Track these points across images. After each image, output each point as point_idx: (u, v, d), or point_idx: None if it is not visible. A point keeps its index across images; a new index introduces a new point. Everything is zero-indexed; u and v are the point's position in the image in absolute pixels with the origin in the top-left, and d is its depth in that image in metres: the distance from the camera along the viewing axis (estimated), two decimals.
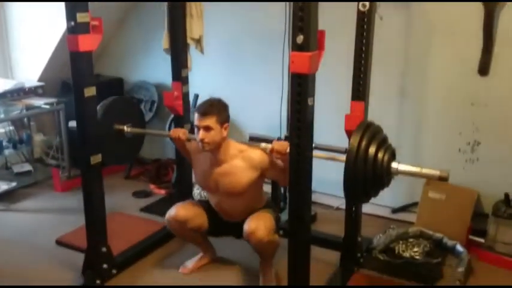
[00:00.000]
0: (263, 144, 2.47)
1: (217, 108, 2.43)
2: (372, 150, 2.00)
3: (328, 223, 3.33)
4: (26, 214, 3.64)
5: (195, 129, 2.46)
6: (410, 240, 2.98)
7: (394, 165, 2.03)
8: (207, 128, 2.40)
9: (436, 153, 3.31)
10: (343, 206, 2.79)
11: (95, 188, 2.58)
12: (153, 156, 4.45)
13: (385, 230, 3.09)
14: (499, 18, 2.88)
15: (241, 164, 2.49)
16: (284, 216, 3.06)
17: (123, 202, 3.73)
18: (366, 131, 2.04)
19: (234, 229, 2.68)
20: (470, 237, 3.02)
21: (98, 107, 2.63)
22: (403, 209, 3.46)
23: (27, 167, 4.23)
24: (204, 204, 2.74)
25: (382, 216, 3.45)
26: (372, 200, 3.30)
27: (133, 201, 3.82)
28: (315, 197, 3.08)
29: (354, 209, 2.73)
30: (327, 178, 3.39)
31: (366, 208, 2.96)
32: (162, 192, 3.95)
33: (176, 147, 2.86)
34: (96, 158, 2.52)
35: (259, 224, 2.46)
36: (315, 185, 2.15)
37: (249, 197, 2.58)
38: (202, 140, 2.42)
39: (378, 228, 3.17)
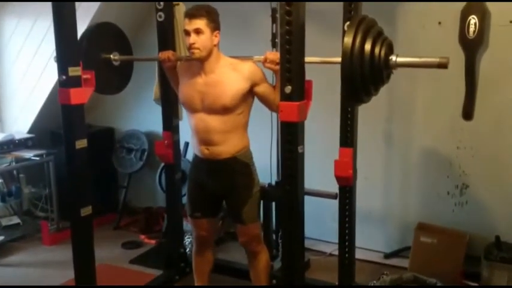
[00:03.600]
0: (255, 57, 2.35)
1: (207, 11, 2.33)
2: (367, 46, 1.87)
3: (322, 270, 3.30)
4: (14, 268, 3.55)
5: (185, 36, 2.36)
6: (405, 286, 2.95)
7: (392, 58, 1.92)
8: (198, 31, 2.29)
9: (425, 195, 3.33)
10: (336, 252, 2.78)
11: (84, 241, 2.55)
12: (144, 205, 4.41)
13: (379, 276, 3.06)
14: (480, 62, 2.98)
15: (231, 74, 2.38)
16: (277, 264, 3.03)
17: (112, 254, 3.67)
18: (360, 26, 1.89)
19: (221, 195, 2.60)
20: (464, 281, 3.00)
21: (81, 36, 2.56)
22: (396, 254, 3.45)
23: (16, 219, 4.16)
24: (196, 211, 2.65)
25: (375, 261, 3.43)
26: (364, 244, 3.35)
27: (122, 252, 3.75)
28: (307, 244, 3.06)
29: (347, 255, 2.71)
30: (318, 223, 3.40)
31: (359, 253, 2.94)
32: (153, 242, 3.89)
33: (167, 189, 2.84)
34: (87, 210, 2.50)
35: (250, 241, 2.61)
36: (306, 231, 2.15)
37: (232, 119, 2.42)
38: (192, 45, 2.31)
39: (371, 274, 3.14)
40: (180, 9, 3.07)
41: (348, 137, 2.55)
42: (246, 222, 2.54)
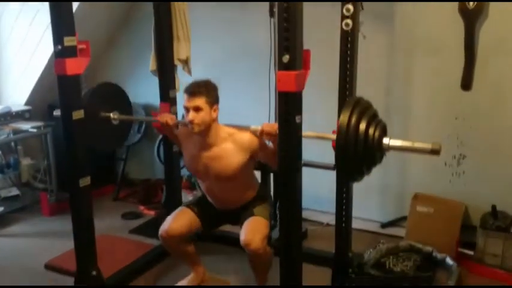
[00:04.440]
0: (253, 127, 2.40)
1: (206, 88, 2.39)
2: (362, 126, 1.94)
3: (319, 240, 3.34)
4: (14, 239, 3.60)
5: (184, 111, 2.42)
6: (401, 254, 2.99)
7: (385, 140, 1.98)
8: (197, 109, 2.35)
9: (422, 166, 3.35)
10: (333, 222, 2.80)
11: (83, 211, 2.56)
12: (142, 177, 4.44)
13: (376, 245, 3.10)
14: (479, 32, 2.95)
15: (231, 146, 2.45)
16: (275, 234, 3.06)
17: (112, 224, 3.71)
18: (356, 107, 1.97)
19: (228, 217, 2.66)
20: (460, 249, 3.04)
21: (84, 94, 2.60)
22: (392, 223, 3.49)
23: (15, 191, 4.19)
24: (194, 206, 2.68)
25: (372, 231, 3.47)
26: (361, 214, 3.38)
27: (122, 223, 3.79)
28: (304, 214, 3.08)
29: (343, 225, 2.74)
30: (315, 194, 3.42)
31: (356, 223, 2.97)
32: (152, 213, 3.93)
33: (165, 162, 2.85)
34: (85, 181, 2.51)
35: (254, 236, 2.42)
36: (303, 202, 2.17)
37: (240, 181, 2.54)
38: (191, 121, 2.37)
39: (368, 244, 3.18)
40: None
41: None
42: (256, 214, 2.55)
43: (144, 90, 4.21)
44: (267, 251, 2.50)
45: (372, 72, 3.24)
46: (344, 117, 1.93)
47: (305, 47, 1.93)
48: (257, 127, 2.37)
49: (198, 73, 3.69)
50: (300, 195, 2.11)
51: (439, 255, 2.95)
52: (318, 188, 3.40)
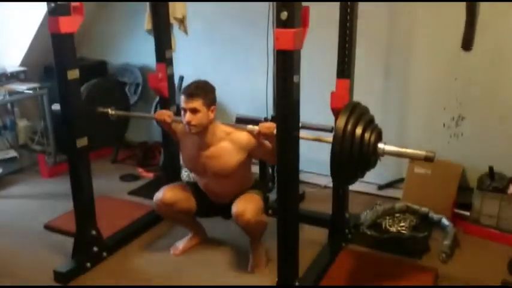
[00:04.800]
0: (249, 127, 2.46)
1: (204, 90, 2.41)
2: (358, 131, 2.01)
3: (316, 201, 3.36)
4: (12, 200, 3.61)
5: (182, 112, 2.45)
6: (397, 215, 3.02)
7: (380, 146, 2.05)
8: (194, 111, 2.38)
9: (421, 128, 3.35)
10: (331, 184, 2.82)
11: (82, 171, 2.57)
12: (140, 139, 4.43)
13: (372, 206, 3.13)
14: None
15: (228, 146, 2.49)
16: (273, 195, 3.09)
17: (111, 186, 3.72)
18: (353, 112, 2.04)
19: (222, 210, 2.70)
20: (456, 210, 3.07)
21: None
22: (390, 185, 3.50)
23: (12, 153, 4.18)
24: (192, 187, 2.74)
25: (369, 193, 3.50)
26: None
27: (121, 185, 3.81)
28: (302, 177, 3.09)
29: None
30: (314, 157, 3.42)
31: (353, 186, 2.97)
32: (150, 175, 3.94)
33: (162, 129, 2.85)
34: (82, 142, 2.50)
35: (246, 207, 2.46)
36: (302, 165, 2.17)
37: (237, 178, 2.59)
38: (189, 123, 2.40)
39: (364, 205, 3.21)
40: None
41: (345, 68, 2.51)
42: (248, 192, 2.59)
43: (139, 50, 4.16)
44: (259, 221, 2.52)
45: (372, 31, 3.18)
46: (341, 122, 2.00)
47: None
48: (254, 127, 2.41)
49: (195, 32, 3.65)
50: (298, 156, 2.10)
51: (435, 216, 2.98)
52: (315, 151, 3.39)
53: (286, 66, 1.88)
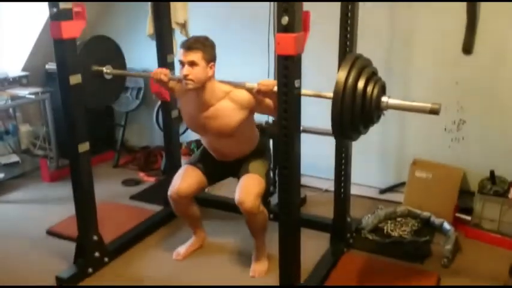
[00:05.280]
0: (248, 84, 2.35)
1: (203, 44, 2.33)
2: (360, 84, 1.88)
3: (318, 205, 3.36)
4: (15, 205, 3.62)
5: (180, 66, 2.36)
6: (399, 219, 3.03)
7: (384, 99, 1.94)
8: (192, 64, 2.30)
9: (421, 131, 3.34)
10: (332, 188, 2.82)
11: (83, 176, 2.57)
12: (142, 144, 4.44)
13: (374, 210, 3.13)
14: None
15: (228, 105, 2.41)
16: (274, 199, 3.09)
17: (112, 191, 3.73)
18: (354, 64, 1.91)
19: (229, 169, 2.68)
20: (457, 215, 3.07)
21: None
22: (391, 189, 3.50)
23: (15, 158, 4.19)
24: (198, 163, 2.69)
25: (370, 197, 3.49)
26: (360, 181, 3.40)
27: (122, 189, 3.81)
28: (303, 180, 3.09)
29: (342, 190, 2.75)
30: (315, 160, 3.42)
31: (354, 189, 2.99)
32: (152, 179, 3.94)
33: (164, 134, 2.85)
34: (84, 146, 2.51)
35: (248, 196, 2.43)
36: (303, 168, 2.17)
37: (240, 135, 2.52)
38: (186, 76, 2.32)
39: (366, 209, 3.21)
40: None
41: None
42: (251, 171, 2.55)
43: (141, 55, 4.16)
44: (261, 210, 2.50)
45: (373, 33, 3.18)
46: (342, 75, 1.87)
47: (305, 7, 1.89)
48: (253, 85, 2.31)
49: None
50: (299, 160, 2.11)
51: (436, 220, 2.98)
52: (317, 154, 3.40)
53: (287, 71, 1.88)
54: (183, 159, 3.33)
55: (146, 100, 4.25)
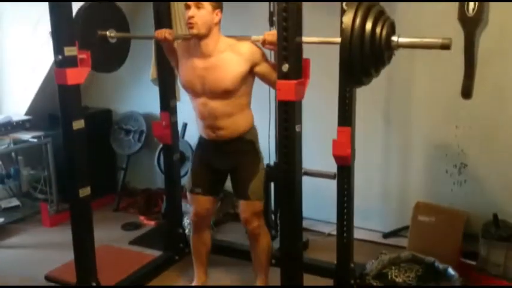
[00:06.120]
0: (253, 37, 2.30)
1: None
2: (368, 25, 1.81)
3: (320, 250, 3.32)
4: (14, 250, 3.58)
5: (185, 11, 2.32)
6: (403, 265, 2.97)
7: (394, 38, 1.86)
8: (198, 5, 2.26)
9: (423, 175, 3.34)
10: (335, 232, 2.79)
11: (84, 220, 2.55)
12: (143, 186, 4.43)
13: (377, 255, 3.08)
14: (479, 40, 2.96)
15: (230, 56, 2.35)
16: (276, 244, 3.05)
17: (112, 235, 3.69)
18: (361, 4, 1.83)
19: (225, 169, 2.61)
20: (462, 259, 3.02)
21: (77, 13, 2.54)
22: (394, 233, 3.46)
23: (15, 201, 4.17)
24: (197, 187, 2.66)
25: (374, 241, 3.45)
26: (363, 224, 3.37)
27: (122, 233, 3.77)
28: (305, 224, 3.07)
29: (345, 234, 2.72)
30: (317, 203, 3.40)
31: (357, 233, 2.96)
32: (152, 223, 3.91)
33: (166, 175, 2.84)
34: (85, 191, 2.50)
35: (252, 217, 2.56)
36: (305, 211, 2.16)
37: (236, 100, 2.43)
38: (191, 18, 2.27)
39: (369, 254, 3.16)
40: None
41: (346, 116, 2.54)
42: (251, 198, 2.55)
43: (144, 98, 4.23)
44: (265, 231, 2.65)
45: (371, 83, 3.23)
46: (348, 18, 1.79)
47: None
48: (258, 37, 2.26)
49: None
50: (301, 204, 2.10)
51: (441, 266, 2.93)
52: (319, 197, 3.39)
53: (288, 116, 1.91)
54: (184, 202, 3.32)
55: (148, 143, 4.27)
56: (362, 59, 1.82)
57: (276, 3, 1.88)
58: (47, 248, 3.57)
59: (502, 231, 2.89)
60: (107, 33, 2.75)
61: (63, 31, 2.31)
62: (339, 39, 1.83)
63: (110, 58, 2.85)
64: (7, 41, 4.19)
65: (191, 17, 2.28)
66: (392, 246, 3.35)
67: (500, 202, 3.06)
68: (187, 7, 2.31)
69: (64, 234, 3.33)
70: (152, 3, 2.91)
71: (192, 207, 2.71)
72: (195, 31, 2.30)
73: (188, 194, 2.72)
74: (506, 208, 3.01)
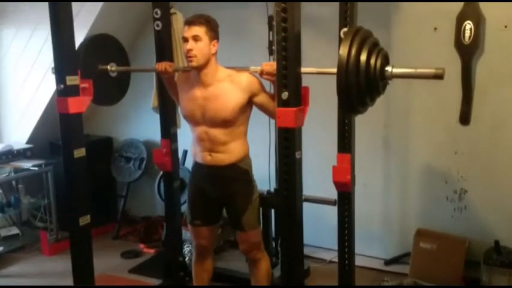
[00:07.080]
0: (252, 68, 2.34)
1: (206, 19, 2.35)
2: (363, 57, 1.87)
3: (322, 277, 3.29)
4: (13, 279, 3.54)
5: (183, 43, 2.37)
6: None
7: (388, 68, 1.92)
8: (196, 38, 2.31)
9: (423, 201, 3.33)
10: (336, 259, 2.77)
11: (83, 249, 2.54)
12: (143, 214, 4.41)
13: (379, 283, 3.05)
14: (476, 67, 3.00)
15: (229, 86, 2.39)
16: (276, 272, 3.02)
17: (111, 263, 3.66)
18: (355, 37, 1.89)
19: (221, 198, 2.58)
20: (464, 286, 2.99)
21: (78, 48, 2.58)
22: (396, 260, 3.44)
23: (15, 230, 4.15)
24: (195, 219, 2.65)
25: (375, 268, 3.42)
26: (364, 251, 3.35)
27: (122, 262, 3.74)
28: (306, 251, 3.05)
29: (346, 262, 2.70)
30: (318, 230, 3.39)
31: (359, 260, 2.94)
32: (152, 251, 3.88)
33: (166, 204, 2.84)
34: (85, 219, 2.50)
35: (251, 247, 2.60)
36: (306, 238, 2.15)
37: (234, 130, 2.45)
38: (189, 51, 2.32)
39: (371, 281, 3.14)
40: (178, 18, 3.09)
41: (345, 142, 2.56)
42: (246, 229, 2.55)
43: (144, 125, 4.25)
44: (266, 257, 2.66)
45: (370, 110, 3.26)
46: (344, 50, 1.85)
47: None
48: (256, 68, 2.30)
49: None
50: (302, 231, 2.09)
51: None
52: (320, 224, 3.38)
53: (288, 143, 1.92)
54: (184, 230, 3.31)
55: (148, 170, 4.27)
56: (358, 89, 1.87)
57: (275, 32, 1.91)
58: (46, 276, 3.53)
59: (503, 258, 2.88)
60: (108, 67, 2.80)
61: (66, 60, 2.35)
62: (335, 70, 1.88)
63: (111, 91, 2.91)
64: (9, 70, 4.24)
65: (190, 50, 2.33)
66: (394, 273, 3.32)
67: (502, 228, 3.05)
68: (185, 40, 2.35)
69: (63, 263, 3.32)
70: (154, 35, 2.96)
71: (193, 238, 2.70)
72: (194, 64, 2.36)
73: (189, 226, 2.71)
74: (507, 234, 3.00)
